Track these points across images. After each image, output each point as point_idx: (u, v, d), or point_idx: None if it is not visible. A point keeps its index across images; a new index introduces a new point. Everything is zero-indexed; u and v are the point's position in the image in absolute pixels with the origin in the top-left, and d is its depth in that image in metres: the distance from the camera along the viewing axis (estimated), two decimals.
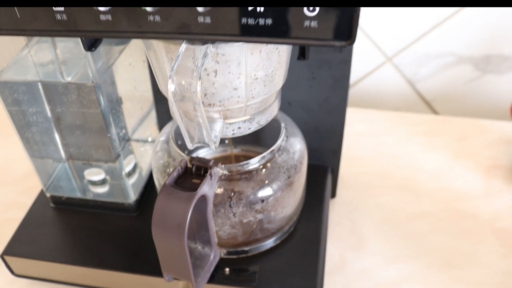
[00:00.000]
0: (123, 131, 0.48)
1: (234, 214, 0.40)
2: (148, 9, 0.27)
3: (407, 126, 0.67)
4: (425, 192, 0.57)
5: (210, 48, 0.30)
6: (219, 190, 0.40)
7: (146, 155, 0.53)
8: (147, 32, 0.28)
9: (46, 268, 0.46)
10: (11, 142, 0.65)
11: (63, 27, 0.28)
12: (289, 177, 0.41)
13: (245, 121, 0.37)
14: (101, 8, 0.27)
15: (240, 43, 0.31)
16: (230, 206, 0.40)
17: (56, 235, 0.48)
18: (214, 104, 0.35)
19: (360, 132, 0.66)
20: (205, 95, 0.34)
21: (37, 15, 0.28)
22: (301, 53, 0.31)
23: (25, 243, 0.47)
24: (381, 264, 0.49)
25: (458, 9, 0.68)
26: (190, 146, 0.35)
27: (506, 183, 0.57)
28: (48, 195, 0.50)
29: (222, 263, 0.44)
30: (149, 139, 0.54)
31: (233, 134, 0.37)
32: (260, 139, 0.48)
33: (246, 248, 0.44)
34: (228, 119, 0.36)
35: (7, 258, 0.46)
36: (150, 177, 0.52)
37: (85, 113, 0.45)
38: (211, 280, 0.42)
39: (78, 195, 0.49)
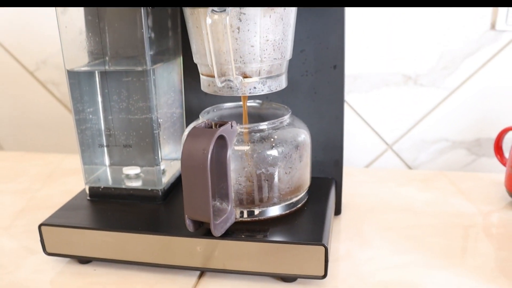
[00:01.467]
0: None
1: (249, 164, 0.50)
2: None
3: (405, 176, 0.77)
4: (424, 213, 0.64)
5: (235, 8, 0.45)
6: (238, 147, 0.50)
7: (173, 166, 0.63)
8: None
9: (77, 240, 0.53)
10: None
11: None
12: (295, 140, 0.52)
13: (259, 82, 0.50)
14: None
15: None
16: (246, 155, 0.49)
17: (90, 215, 0.56)
18: (236, 60, 0.48)
19: (360, 181, 0.76)
20: (229, 50, 0.47)
21: None
22: None
23: (61, 218, 0.55)
24: (384, 255, 0.55)
25: (446, 95, 0.83)
26: (218, 83, 0.47)
27: (503, 209, 0.64)
28: (87, 187, 0.59)
29: (237, 224, 0.51)
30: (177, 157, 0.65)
31: (250, 92, 0.50)
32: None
33: (258, 210, 0.51)
34: (247, 79, 0.49)
35: (44, 228, 0.54)
36: (175, 181, 0.62)
37: (131, 120, 0.58)
38: (227, 234, 0.49)
39: (114, 185, 0.59)
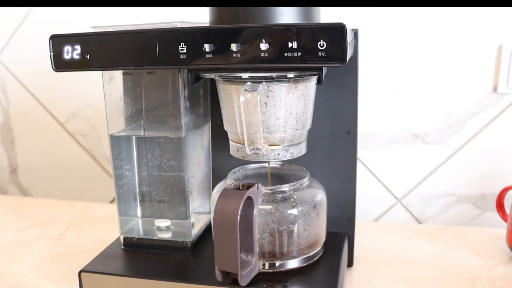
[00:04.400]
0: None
1: (272, 221, 0.58)
2: (233, 48, 0.52)
3: (413, 230, 0.85)
4: (430, 266, 0.71)
5: (264, 85, 0.54)
6: (262, 206, 0.58)
7: (201, 220, 0.71)
8: (231, 64, 0.52)
9: (113, 286, 0.61)
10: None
11: (184, 64, 0.53)
12: (313, 200, 0.60)
13: (282, 149, 0.58)
14: (207, 49, 0.52)
15: (281, 84, 0.55)
16: (270, 213, 0.58)
17: (124, 263, 0.64)
18: (263, 130, 0.57)
19: (371, 234, 0.83)
20: (258, 122, 0.56)
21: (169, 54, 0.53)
22: (318, 81, 0.55)
23: (99, 265, 0.63)
24: None
25: (452, 153, 0.91)
26: (248, 150, 0.55)
27: (505, 264, 0.72)
28: (122, 237, 0.67)
29: (260, 275, 0.58)
30: (204, 211, 0.73)
31: (274, 158, 0.58)
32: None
33: (279, 262, 0.59)
34: (272, 146, 0.58)
35: (83, 275, 0.61)
36: (202, 234, 0.70)
37: (163, 177, 0.66)
38: (251, 284, 0.57)
39: (147, 236, 0.67)
